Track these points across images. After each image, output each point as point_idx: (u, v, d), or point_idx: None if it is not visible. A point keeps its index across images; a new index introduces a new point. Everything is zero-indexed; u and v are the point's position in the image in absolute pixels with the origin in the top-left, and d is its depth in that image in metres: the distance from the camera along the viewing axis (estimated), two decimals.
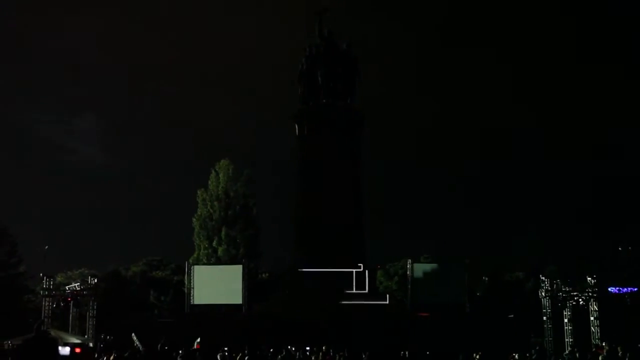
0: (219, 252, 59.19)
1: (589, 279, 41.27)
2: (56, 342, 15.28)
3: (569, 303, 41.16)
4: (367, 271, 43.94)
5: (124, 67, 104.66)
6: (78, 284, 43.62)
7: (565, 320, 41.04)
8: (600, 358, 30.15)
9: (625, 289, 47.96)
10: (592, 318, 40.70)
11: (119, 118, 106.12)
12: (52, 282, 42.39)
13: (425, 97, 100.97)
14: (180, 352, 26.77)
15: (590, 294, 40.92)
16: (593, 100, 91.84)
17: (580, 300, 41.19)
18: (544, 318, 41.20)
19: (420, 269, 44.54)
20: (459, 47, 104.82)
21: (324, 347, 29.53)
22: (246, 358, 26.66)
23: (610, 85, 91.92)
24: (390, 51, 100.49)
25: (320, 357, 28.49)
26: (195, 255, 59.71)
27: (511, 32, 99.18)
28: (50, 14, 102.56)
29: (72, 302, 42.47)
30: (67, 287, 43.43)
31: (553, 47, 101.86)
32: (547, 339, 40.69)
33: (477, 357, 30.18)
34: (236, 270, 44.23)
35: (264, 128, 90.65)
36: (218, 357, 28.14)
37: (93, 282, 43.18)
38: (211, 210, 61.05)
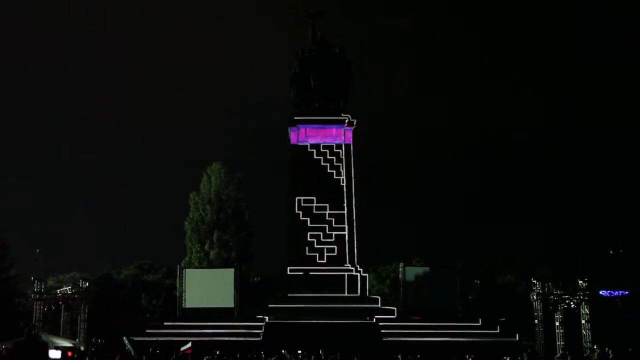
0: (210, 256, 59.11)
1: (580, 282, 41.38)
2: (46, 346, 15.21)
3: (561, 306, 41.26)
4: (359, 274, 44.02)
5: (124, 67, 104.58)
6: (69, 287, 43.41)
7: (557, 324, 41.14)
8: None
9: (617, 292, 48.07)
10: (583, 321, 40.80)
11: (113, 120, 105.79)
12: (43, 286, 42.22)
13: (422, 97, 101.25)
14: (173, 356, 26.69)
15: (581, 297, 41.01)
16: (593, 100, 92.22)
17: (571, 303, 41.30)
18: (536, 321, 41.28)
19: (412, 272, 44.59)
20: (458, 47, 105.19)
21: (316, 351, 29.49)
22: None
23: (609, 85, 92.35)
24: (388, 51, 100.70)
25: None
26: (187, 258, 59.61)
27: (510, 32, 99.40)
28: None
29: (63, 305, 42.28)
30: (58, 291, 43.21)
31: (554, 46, 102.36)
32: (538, 342, 40.77)
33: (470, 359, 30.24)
34: (228, 274, 44.20)
35: (257, 131, 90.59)
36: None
37: (84, 286, 43.02)
38: (203, 214, 60.98)
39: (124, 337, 37.23)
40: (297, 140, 46.57)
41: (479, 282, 60.06)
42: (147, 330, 39.23)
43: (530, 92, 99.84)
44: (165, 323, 41.23)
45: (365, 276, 45.04)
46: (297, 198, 45.38)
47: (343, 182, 45.79)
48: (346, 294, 43.01)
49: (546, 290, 41.75)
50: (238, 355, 29.22)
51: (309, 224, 44.92)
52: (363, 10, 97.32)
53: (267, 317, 40.21)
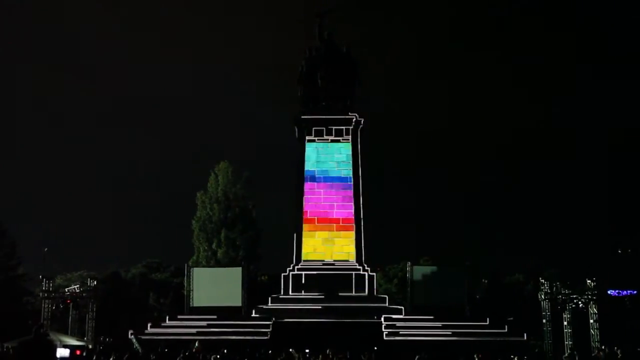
0: (218, 255, 59.13)
1: (588, 281, 41.24)
2: (54, 345, 15.24)
3: (569, 306, 41.12)
4: (366, 274, 43.97)
5: (124, 66, 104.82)
6: (77, 286, 43.58)
7: (565, 323, 41.01)
8: None
9: (625, 292, 47.98)
10: (591, 321, 40.67)
11: (119, 119, 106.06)
12: (51, 284, 42.34)
13: (427, 98, 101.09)
14: (180, 355, 26.70)
15: (589, 296, 40.88)
16: (592, 100, 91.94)
17: (579, 302, 41.16)
18: (544, 320, 41.16)
19: (420, 271, 44.53)
20: (462, 47, 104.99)
21: (324, 350, 29.47)
22: None
23: (610, 84, 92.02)
24: (392, 51, 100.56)
25: None
26: (194, 257, 59.64)
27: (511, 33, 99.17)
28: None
29: (71, 304, 42.41)
30: (66, 289, 43.37)
31: (554, 47, 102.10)
32: (546, 341, 40.65)
33: (477, 359, 30.13)
34: (235, 273, 44.21)
35: (264, 129, 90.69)
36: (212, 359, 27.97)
37: (92, 284, 43.14)
38: (210, 213, 61.01)
39: (132, 336, 37.34)
40: (304, 139, 46.57)
41: (486, 281, 59.94)
42: (152, 330, 39.29)
43: (530, 92, 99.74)
44: (169, 323, 41.19)
45: (373, 275, 44.96)
46: (304, 197, 45.39)
47: (350, 181, 45.77)
48: (354, 293, 42.97)
49: (554, 289, 41.63)
50: (245, 354, 29.20)
51: (316, 223, 44.94)
52: (363, 10, 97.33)
53: (274, 316, 40.20)
